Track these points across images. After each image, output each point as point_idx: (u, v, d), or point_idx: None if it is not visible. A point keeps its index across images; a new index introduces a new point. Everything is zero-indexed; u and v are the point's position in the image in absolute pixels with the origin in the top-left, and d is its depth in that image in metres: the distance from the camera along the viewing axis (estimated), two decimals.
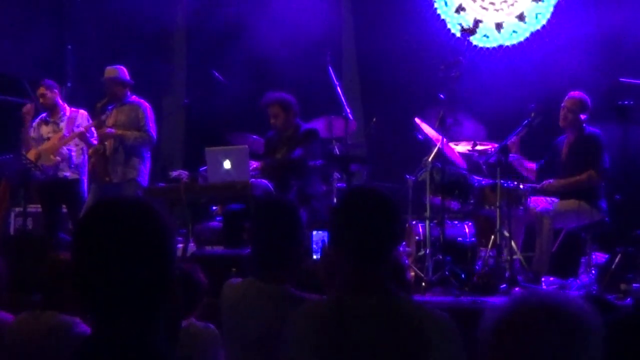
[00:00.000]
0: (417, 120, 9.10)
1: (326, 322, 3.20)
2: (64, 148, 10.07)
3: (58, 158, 10.04)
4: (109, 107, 10.00)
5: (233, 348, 4.26)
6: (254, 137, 10.31)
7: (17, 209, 10.77)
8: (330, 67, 9.69)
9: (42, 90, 10.24)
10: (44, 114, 10.41)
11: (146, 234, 2.23)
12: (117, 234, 2.20)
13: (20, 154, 10.03)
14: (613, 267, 7.96)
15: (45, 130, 10.27)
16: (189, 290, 4.15)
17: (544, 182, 8.89)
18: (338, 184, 9.68)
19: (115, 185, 9.72)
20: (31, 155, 10.10)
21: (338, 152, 9.93)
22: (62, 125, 10.15)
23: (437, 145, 8.64)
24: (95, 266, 2.20)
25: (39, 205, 10.55)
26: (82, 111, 10.22)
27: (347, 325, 3.15)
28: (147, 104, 9.92)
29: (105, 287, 2.20)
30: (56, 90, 10.30)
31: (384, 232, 3.28)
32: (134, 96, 9.97)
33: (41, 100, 10.26)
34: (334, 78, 9.67)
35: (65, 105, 10.31)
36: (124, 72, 9.95)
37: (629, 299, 7.32)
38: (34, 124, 10.34)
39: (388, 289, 3.23)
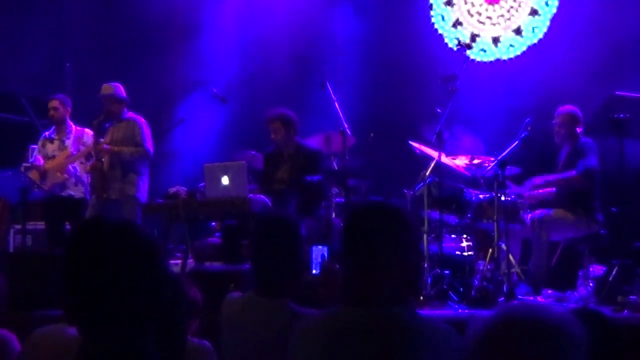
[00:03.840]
0: (411, 143, 9.14)
1: (331, 335, 3.23)
2: (70, 166, 10.11)
3: (65, 175, 10.08)
4: (106, 125, 10.02)
5: None
6: (253, 152, 10.35)
7: (16, 227, 10.78)
8: (327, 82, 9.73)
9: (55, 103, 10.26)
10: (46, 132, 10.44)
11: (131, 254, 2.30)
12: (103, 254, 2.27)
13: (19, 171, 10.06)
14: (610, 279, 7.98)
15: (50, 148, 10.30)
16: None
17: (527, 181, 8.93)
18: (336, 199, 9.71)
19: (113, 202, 9.74)
20: (35, 174, 10.14)
21: (336, 167, 9.96)
22: (68, 142, 10.18)
23: (435, 159, 8.67)
24: (82, 285, 2.27)
25: (39, 223, 10.57)
26: (87, 130, 10.21)
27: (352, 338, 3.18)
28: (143, 120, 9.93)
29: (92, 305, 2.27)
30: (69, 108, 10.31)
31: (397, 244, 3.30)
32: (130, 112, 9.98)
33: (52, 113, 10.27)
34: (332, 93, 9.71)
35: (71, 123, 10.32)
36: (120, 89, 9.97)
37: (625, 312, 7.34)
38: (39, 143, 10.38)
39: (397, 301, 3.26)
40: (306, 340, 3.32)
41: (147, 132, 9.87)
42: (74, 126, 10.28)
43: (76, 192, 10.14)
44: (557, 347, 1.84)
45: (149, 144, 9.84)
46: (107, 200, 9.74)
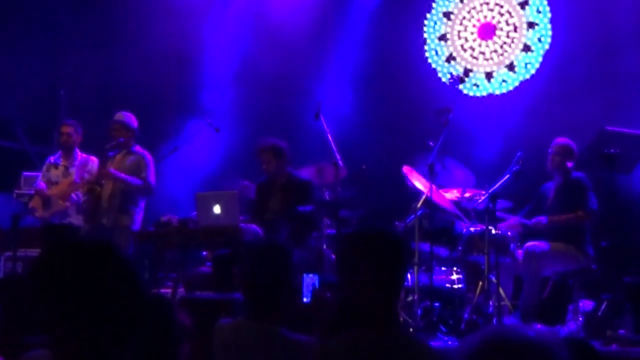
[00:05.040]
0: (405, 169, 9.19)
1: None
2: (73, 194, 10.07)
3: (67, 204, 10.05)
4: (110, 154, 9.97)
5: None
6: (245, 182, 10.38)
7: (6, 254, 10.73)
8: (321, 114, 9.75)
9: (68, 129, 10.20)
10: (52, 157, 10.40)
11: (103, 274, 2.28)
12: (72, 275, 2.26)
13: (11, 197, 10.05)
14: (599, 314, 8.02)
15: (54, 173, 10.23)
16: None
17: (534, 219, 8.94)
18: (328, 230, 9.73)
19: (107, 230, 9.68)
20: (37, 200, 10.12)
21: (328, 198, 9.98)
22: (73, 170, 10.13)
23: (426, 193, 8.71)
24: (53, 305, 2.26)
25: (29, 250, 10.53)
26: (93, 158, 10.18)
27: None
28: (149, 155, 9.90)
29: (65, 324, 2.26)
30: (80, 135, 10.29)
31: (397, 268, 3.43)
32: (137, 146, 9.97)
33: (64, 138, 10.20)
34: (325, 124, 9.74)
35: (79, 150, 10.29)
36: (131, 118, 9.93)
37: (614, 346, 7.37)
38: (44, 168, 10.35)
39: (397, 326, 3.34)
40: None
41: (152, 167, 9.85)
42: (80, 153, 10.25)
43: (77, 220, 10.09)
44: None
45: (153, 179, 9.84)
46: (101, 227, 9.69)
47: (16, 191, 10.88)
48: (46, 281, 2.28)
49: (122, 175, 9.71)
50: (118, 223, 9.72)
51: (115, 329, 2.28)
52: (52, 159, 10.38)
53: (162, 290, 9.40)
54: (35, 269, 2.32)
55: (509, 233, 8.82)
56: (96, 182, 9.78)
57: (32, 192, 10.35)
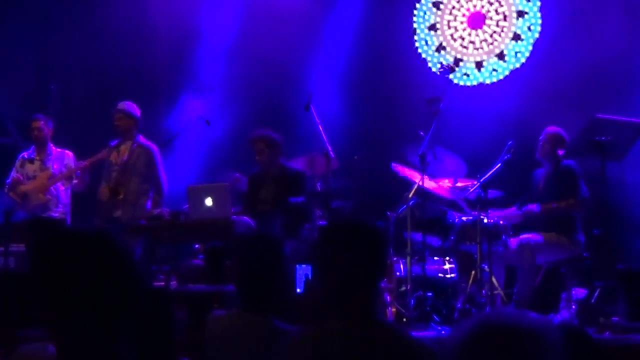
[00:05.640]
0: (395, 166, 9.18)
1: (314, 353, 3.25)
2: (52, 187, 10.07)
3: (48, 197, 10.04)
4: (112, 143, 9.95)
5: None
6: (237, 175, 10.36)
7: None
8: (312, 105, 9.74)
9: (38, 124, 10.19)
10: (25, 153, 10.39)
11: (102, 261, 2.28)
12: (72, 261, 2.26)
13: (3, 192, 10.03)
14: (592, 301, 8.03)
15: (30, 168, 10.23)
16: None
17: (524, 208, 8.94)
18: (320, 221, 9.72)
19: (122, 223, 9.60)
20: (14, 195, 10.09)
21: (320, 189, 9.97)
22: (50, 163, 10.14)
23: (417, 182, 8.71)
24: (53, 293, 2.26)
25: (22, 245, 10.52)
26: (67, 152, 10.21)
27: (334, 356, 3.20)
28: (156, 148, 9.88)
29: (63, 313, 2.26)
30: (51, 128, 10.27)
31: (367, 262, 3.34)
32: (141, 136, 9.94)
33: (36, 133, 10.20)
34: (316, 115, 9.73)
35: (52, 144, 10.29)
36: (133, 107, 9.91)
37: (607, 333, 7.38)
38: (17, 163, 10.33)
39: (374, 317, 3.29)
40: (295, 357, 3.34)
41: (161, 161, 9.84)
42: (54, 147, 10.25)
43: (56, 212, 10.10)
44: (533, 352, 1.87)
45: (163, 174, 9.83)
46: (113, 221, 9.63)
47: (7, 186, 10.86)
48: (45, 273, 2.28)
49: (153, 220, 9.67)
50: (132, 217, 9.68)
51: (113, 317, 2.28)
52: (25, 154, 10.38)
53: (154, 284, 9.40)
54: (32, 261, 2.32)
55: (501, 222, 8.82)
56: (120, 183, 9.73)
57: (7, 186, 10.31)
